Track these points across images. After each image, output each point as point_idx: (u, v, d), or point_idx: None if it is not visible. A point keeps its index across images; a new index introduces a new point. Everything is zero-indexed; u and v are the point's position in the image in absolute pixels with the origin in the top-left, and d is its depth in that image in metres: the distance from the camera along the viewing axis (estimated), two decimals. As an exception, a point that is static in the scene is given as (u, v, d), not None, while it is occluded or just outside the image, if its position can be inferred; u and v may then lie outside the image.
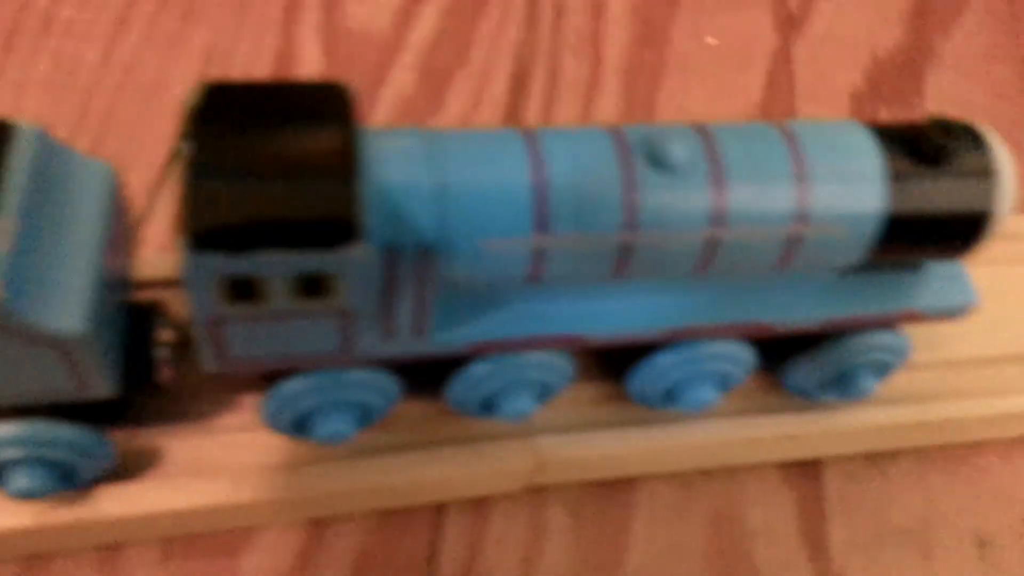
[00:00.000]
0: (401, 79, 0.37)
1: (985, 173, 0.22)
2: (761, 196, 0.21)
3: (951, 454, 0.30)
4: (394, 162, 0.20)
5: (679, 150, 0.20)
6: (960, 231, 0.22)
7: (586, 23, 0.40)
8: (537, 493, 0.28)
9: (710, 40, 0.39)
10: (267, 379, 0.24)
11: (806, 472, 0.29)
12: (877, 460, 0.30)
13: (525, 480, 0.28)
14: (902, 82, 0.40)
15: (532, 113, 0.37)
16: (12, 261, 0.19)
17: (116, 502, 0.25)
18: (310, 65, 0.38)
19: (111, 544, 0.26)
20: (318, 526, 0.27)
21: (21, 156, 0.21)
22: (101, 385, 0.22)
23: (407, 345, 0.23)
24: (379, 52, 0.38)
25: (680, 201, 0.20)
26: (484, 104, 0.37)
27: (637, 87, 0.38)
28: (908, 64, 0.40)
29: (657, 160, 0.20)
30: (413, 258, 0.20)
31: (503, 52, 0.39)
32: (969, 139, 0.22)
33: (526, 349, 0.23)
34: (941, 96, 0.40)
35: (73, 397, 0.22)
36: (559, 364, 0.25)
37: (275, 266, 0.19)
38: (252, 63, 0.37)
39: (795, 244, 0.21)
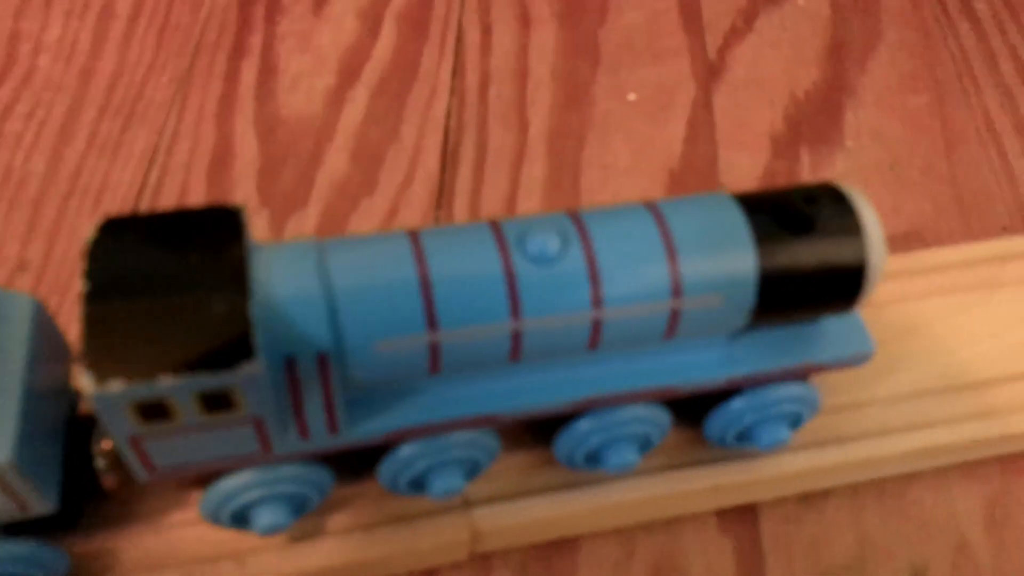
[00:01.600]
0: (335, 161, 0.39)
1: (851, 231, 0.23)
2: (634, 277, 0.22)
3: (883, 488, 0.30)
4: (286, 276, 0.21)
5: (551, 242, 0.21)
6: (839, 287, 0.23)
7: (511, 90, 0.41)
8: (483, 559, 0.29)
9: (631, 96, 0.41)
10: (200, 479, 0.25)
11: (742, 517, 0.30)
12: (811, 500, 0.30)
13: (467, 550, 0.29)
14: (821, 120, 0.41)
15: (462, 185, 0.38)
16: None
17: (73, 608, 0.27)
18: (247, 156, 0.39)
19: (69, 649, 0.27)
20: (274, 610, 0.28)
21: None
22: (38, 503, 0.23)
23: (324, 440, 0.24)
24: (313, 137, 0.40)
25: (558, 290, 0.21)
26: (416, 180, 0.38)
27: (563, 150, 0.39)
28: (826, 102, 0.41)
29: (532, 253, 0.21)
30: (313, 365, 0.22)
31: (432, 126, 0.40)
32: (833, 202, 0.23)
33: (441, 432, 0.24)
34: (859, 130, 0.41)
35: (15, 517, 0.24)
36: (484, 441, 0.26)
37: (178, 389, 0.20)
38: (192, 160, 0.39)
39: (675, 316, 0.22)
